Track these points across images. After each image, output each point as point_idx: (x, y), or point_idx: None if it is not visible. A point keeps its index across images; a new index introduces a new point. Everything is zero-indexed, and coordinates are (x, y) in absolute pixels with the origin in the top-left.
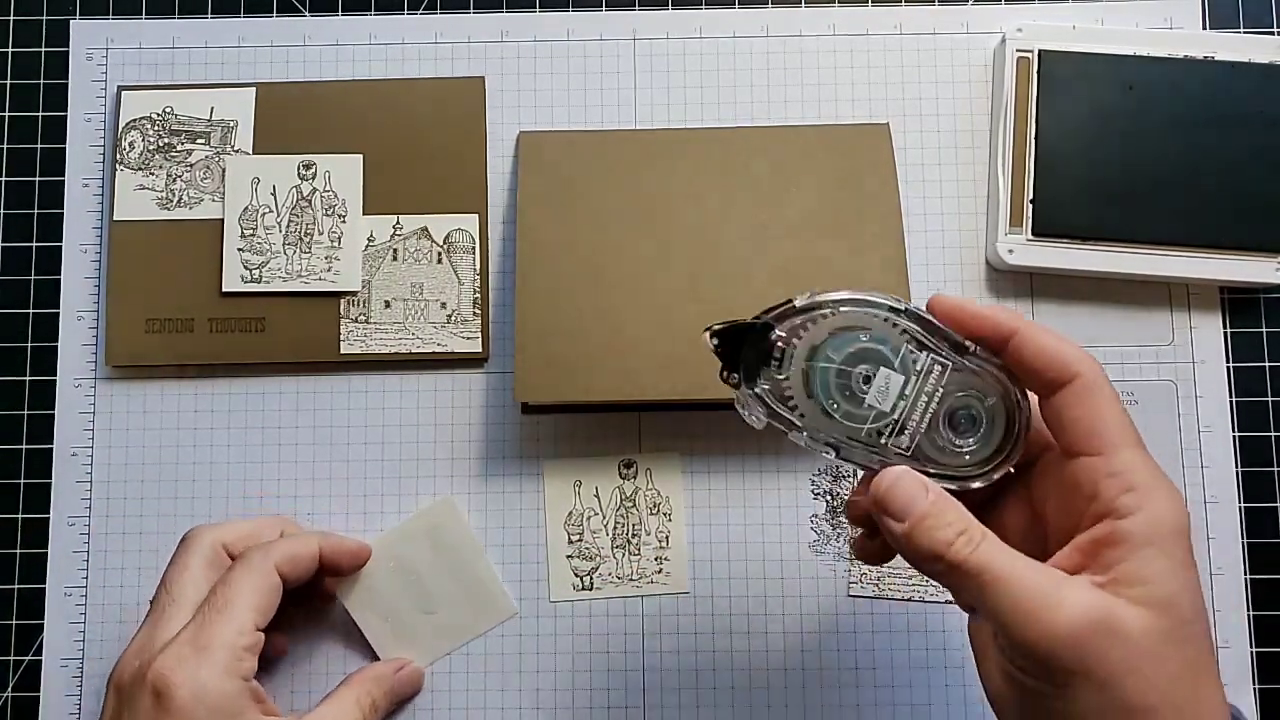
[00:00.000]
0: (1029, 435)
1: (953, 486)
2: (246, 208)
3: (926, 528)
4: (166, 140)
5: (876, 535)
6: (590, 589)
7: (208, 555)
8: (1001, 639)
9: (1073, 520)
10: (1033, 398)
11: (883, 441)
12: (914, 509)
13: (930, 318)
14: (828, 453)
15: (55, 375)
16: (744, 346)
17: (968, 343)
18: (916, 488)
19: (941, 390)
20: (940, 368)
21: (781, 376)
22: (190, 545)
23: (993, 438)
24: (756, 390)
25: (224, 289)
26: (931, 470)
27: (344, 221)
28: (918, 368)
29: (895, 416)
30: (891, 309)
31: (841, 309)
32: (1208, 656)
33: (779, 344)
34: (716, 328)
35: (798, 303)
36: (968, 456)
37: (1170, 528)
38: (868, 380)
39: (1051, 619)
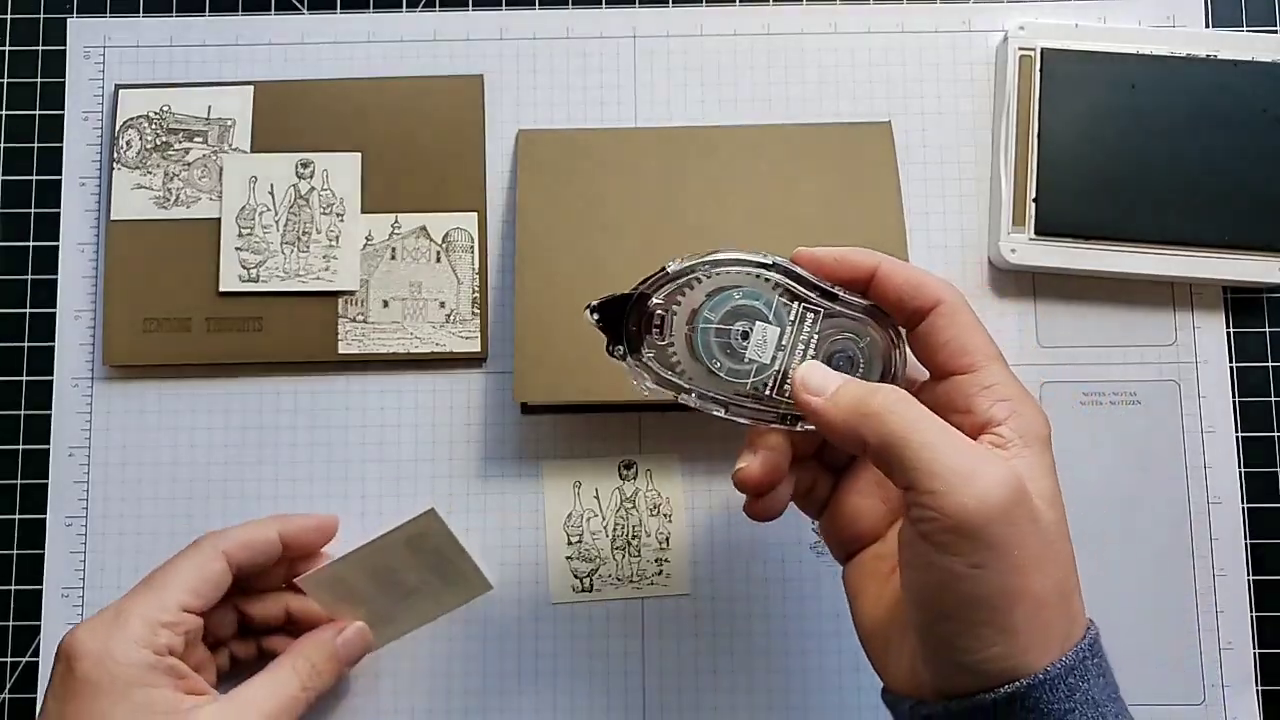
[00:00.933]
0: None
1: None
2: (244, 206)
3: (848, 390)
4: (164, 139)
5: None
6: (590, 590)
7: (202, 554)
8: (921, 514)
9: None
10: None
11: (769, 394)
12: (831, 383)
13: (799, 269)
14: (718, 411)
15: (52, 375)
16: (625, 318)
17: (836, 289)
18: (832, 373)
19: (816, 336)
20: (813, 315)
21: (664, 342)
22: (192, 544)
23: (872, 375)
24: (644, 359)
25: (221, 288)
26: None
27: (342, 220)
28: (791, 318)
29: (776, 367)
30: (760, 265)
31: (715, 271)
32: (1065, 546)
33: (659, 311)
34: (595, 303)
35: (670, 268)
36: None
37: (1040, 435)
38: (746, 336)
39: (984, 486)
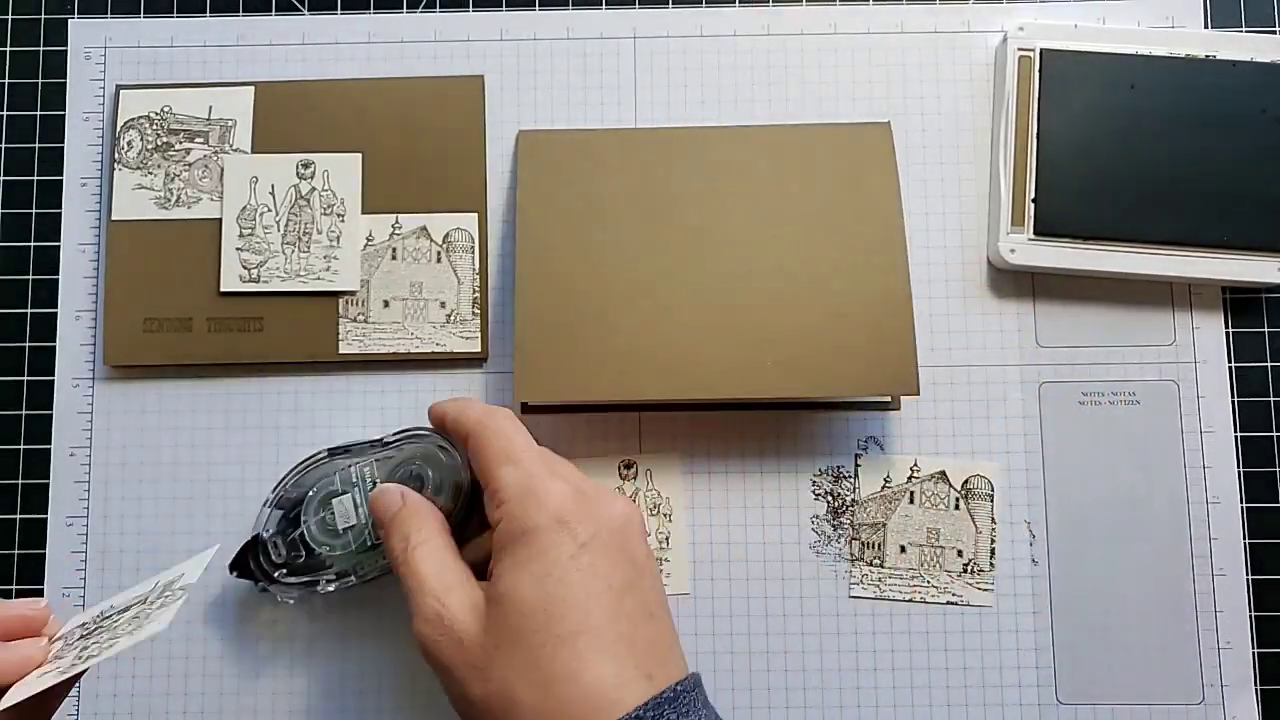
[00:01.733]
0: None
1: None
2: (245, 207)
3: (392, 530)
4: (165, 139)
5: None
6: None
7: None
8: None
9: None
10: None
11: (378, 543)
12: (388, 514)
13: (350, 443)
14: (348, 582)
15: (53, 375)
16: (255, 560)
17: (399, 433)
18: (393, 496)
19: (381, 478)
20: (369, 466)
21: (288, 558)
22: None
23: (443, 490)
24: (282, 582)
25: (222, 288)
26: None
27: (343, 221)
28: (354, 480)
29: (364, 522)
30: (330, 452)
31: (304, 476)
32: (572, 637)
33: (273, 543)
34: (230, 565)
35: (269, 498)
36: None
37: (516, 531)
38: (334, 515)
39: (417, 615)
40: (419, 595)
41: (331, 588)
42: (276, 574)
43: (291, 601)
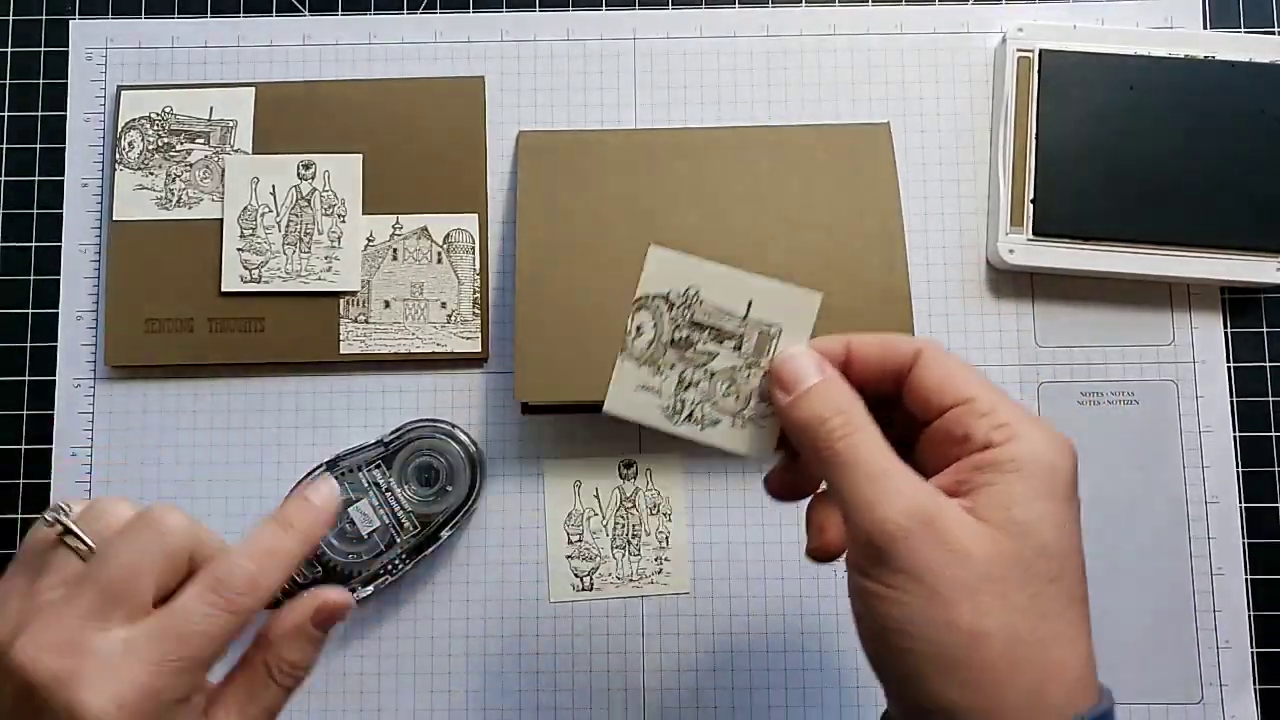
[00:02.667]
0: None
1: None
2: (246, 207)
3: (809, 400)
4: (166, 140)
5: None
6: (590, 589)
7: (174, 561)
8: (848, 535)
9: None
10: None
11: (403, 538)
12: (801, 383)
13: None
14: (384, 582)
15: (55, 375)
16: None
17: (386, 439)
18: (810, 365)
19: (394, 476)
20: (378, 469)
21: (309, 578)
22: (163, 540)
23: (458, 479)
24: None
25: (223, 289)
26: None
27: (343, 221)
28: (365, 485)
29: (388, 521)
30: (326, 465)
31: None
32: (1070, 603)
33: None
34: None
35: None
36: (441, 494)
37: (1043, 461)
38: (353, 523)
39: (881, 506)
40: (876, 484)
41: (369, 590)
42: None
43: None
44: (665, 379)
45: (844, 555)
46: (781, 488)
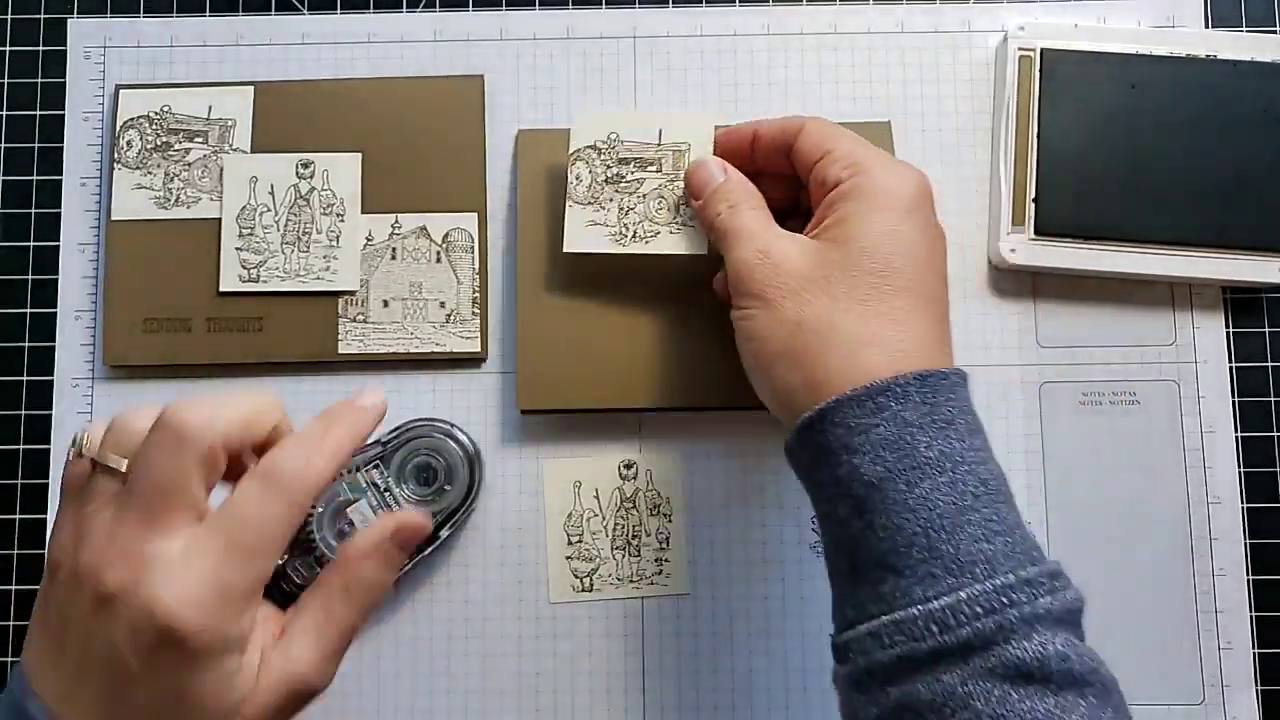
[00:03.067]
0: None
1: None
2: (244, 207)
3: (712, 199)
4: (164, 139)
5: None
6: (590, 590)
7: (206, 458)
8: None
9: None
10: None
11: None
12: (707, 186)
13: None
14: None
15: (53, 375)
16: (280, 589)
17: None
18: (712, 169)
19: (392, 477)
20: (375, 469)
21: (309, 578)
22: (185, 442)
23: (455, 477)
24: None
25: (221, 288)
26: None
27: (342, 220)
28: (364, 485)
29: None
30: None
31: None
32: (901, 294)
33: (294, 567)
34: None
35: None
36: (439, 494)
37: (880, 186)
38: (352, 523)
39: (738, 252)
40: (742, 241)
41: None
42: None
43: None
44: (608, 212)
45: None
46: (723, 288)
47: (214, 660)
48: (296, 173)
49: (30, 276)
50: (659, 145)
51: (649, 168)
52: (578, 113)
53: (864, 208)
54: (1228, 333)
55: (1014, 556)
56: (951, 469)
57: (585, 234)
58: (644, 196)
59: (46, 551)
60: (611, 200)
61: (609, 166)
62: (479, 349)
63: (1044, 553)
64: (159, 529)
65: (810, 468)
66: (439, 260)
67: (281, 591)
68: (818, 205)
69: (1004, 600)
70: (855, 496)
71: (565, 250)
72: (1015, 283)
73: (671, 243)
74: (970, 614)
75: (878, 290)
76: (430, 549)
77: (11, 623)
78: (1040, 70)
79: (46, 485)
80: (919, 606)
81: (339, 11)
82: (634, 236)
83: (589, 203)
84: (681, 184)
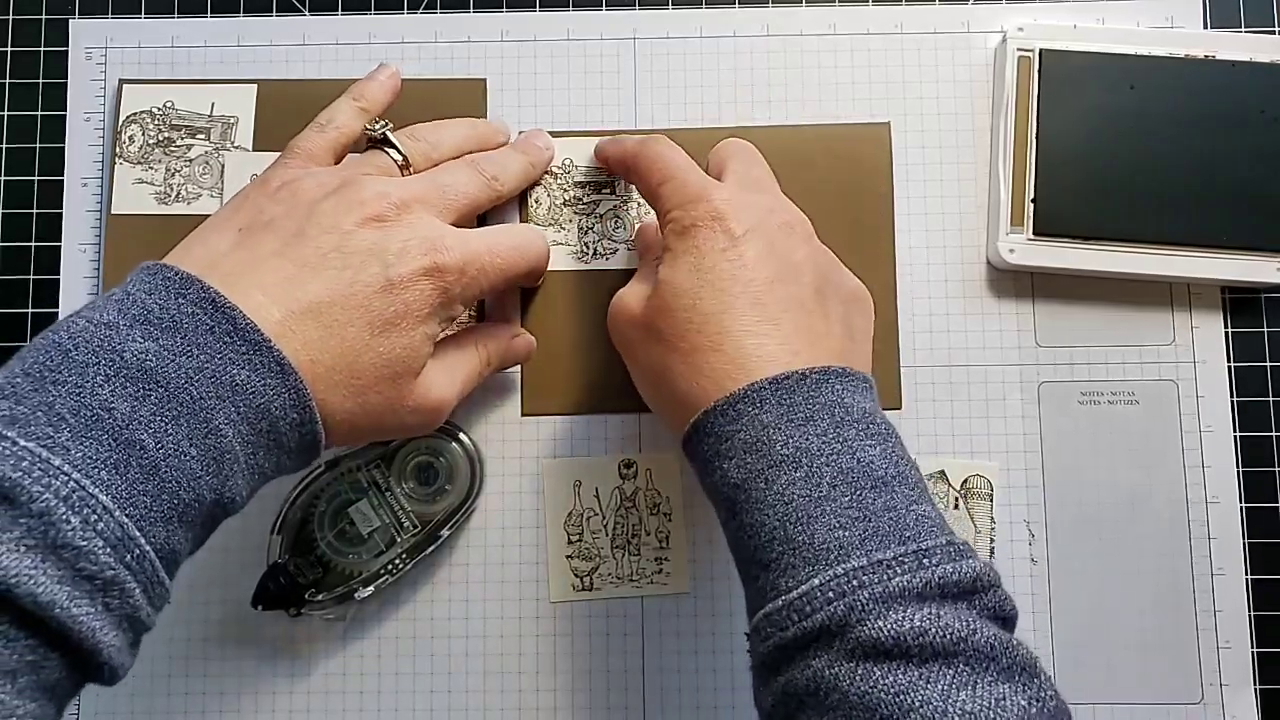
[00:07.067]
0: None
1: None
2: None
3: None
4: (166, 135)
5: None
6: (590, 589)
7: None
8: None
9: None
10: None
11: (405, 537)
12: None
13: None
14: (385, 581)
15: None
16: (280, 588)
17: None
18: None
19: (393, 477)
20: (377, 470)
21: (311, 578)
22: (486, 183)
23: (455, 480)
24: (314, 601)
25: None
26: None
27: None
28: (365, 485)
29: (388, 520)
30: (326, 465)
31: (305, 495)
32: (710, 322)
33: (294, 566)
34: (254, 600)
35: (274, 524)
36: (440, 494)
37: (678, 230)
38: (353, 523)
39: (615, 303)
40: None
41: (370, 590)
42: (307, 595)
43: (331, 617)
44: (568, 232)
45: None
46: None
47: (427, 321)
48: None
49: (32, 277)
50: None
51: (604, 190)
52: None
53: (670, 254)
54: (1227, 333)
55: (873, 539)
56: (808, 463)
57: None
58: (601, 217)
59: (274, 179)
60: (571, 221)
61: (565, 190)
62: None
63: (939, 530)
64: (428, 205)
65: (700, 478)
66: None
67: (280, 587)
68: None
69: (854, 583)
70: (727, 499)
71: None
72: (1014, 283)
73: (631, 259)
74: (822, 599)
75: (692, 324)
76: (431, 549)
77: None
78: (1040, 71)
79: None
80: (782, 598)
81: (340, 13)
82: (595, 254)
83: (550, 224)
84: (631, 204)
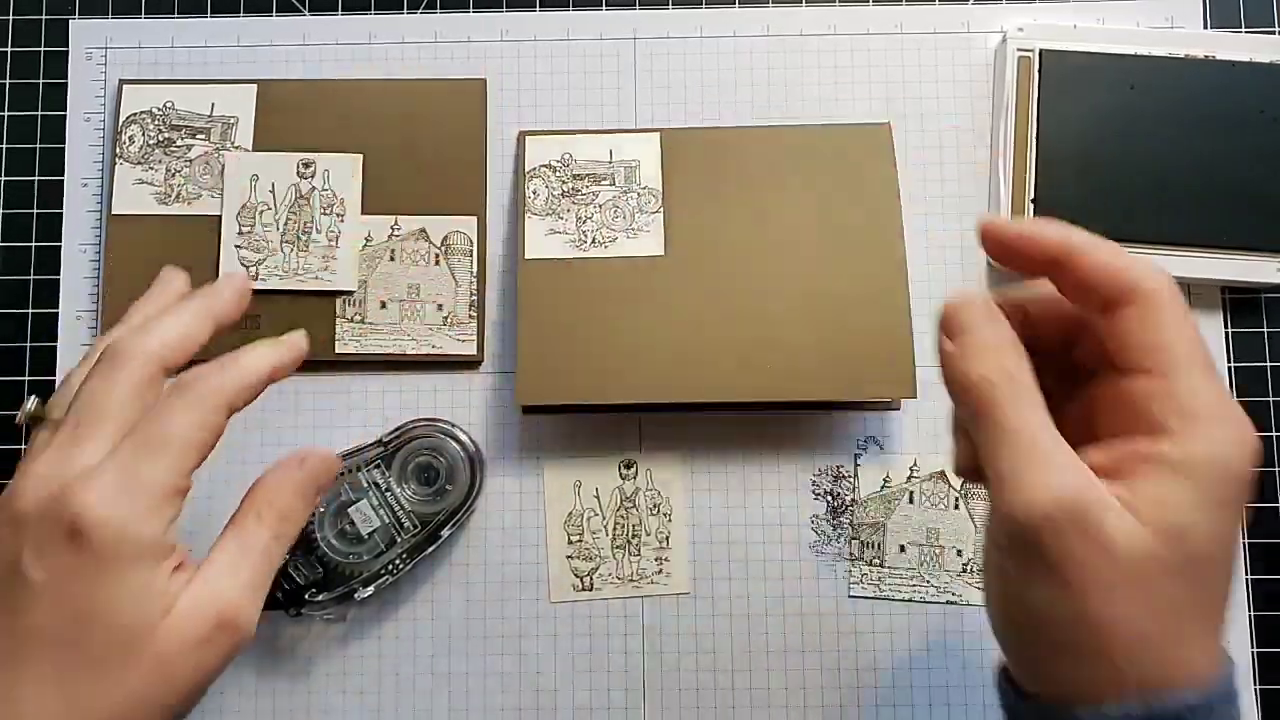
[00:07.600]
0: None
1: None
2: (245, 204)
3: (972, 341)
4: (166, 135)
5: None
6: (590, 590)
7: (140, 376)
8: (990, 503)
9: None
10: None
11: (403, 537)
12: (972, 331)
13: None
14: (384, 582)
15: (54, 375)
16: (280, 588)
17: (386, 439)
18: (982, 312)
19: (393, 477)
20: (378, 469)
21: (311, 577)
22: (118, 361)
23: (456, 479)
24: (314, 601)
25: None
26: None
27: (342, 221)
28: (364, 485)
29: (388, 520)
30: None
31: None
32: (1209, 609)
33: (294, 566)
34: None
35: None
36: (440, 494)
37: (1218, 464)
38: (353, 523)
39: (1032, 489)
40: (1033, 466)
41: (370, 590)
42: (306, 595)
43: (331, 617)
44: (566, 221)
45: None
46: (968, 464)
47: (123, 566)
48: (297, 172)
49: (32, 277)
50: (610, 162)
51: (603, 182)
52: (528, 138)
53: (1196, 499)
54: (1227, 333)
55: None
56: None
57: (544, 242)
58: (600, 207)
59: None
60: (569, 211)
61: (564, 182)
62: (475, 352)
63: None
64: (82, 443)
65: None
66: (437, 263)
67: (283, 590)
68: (1104, 425)
69: None
70: None
71: (527, 257)
72: (1015, 283)
73: (629, 247)
74: None
75: (1190, 604)
76: (431, 549)
77: None
78: (1039, 71)
79: None
80: None
81: (340, 13)
82: (593, 242)
83: (548, 214)
84: (632, 195)
